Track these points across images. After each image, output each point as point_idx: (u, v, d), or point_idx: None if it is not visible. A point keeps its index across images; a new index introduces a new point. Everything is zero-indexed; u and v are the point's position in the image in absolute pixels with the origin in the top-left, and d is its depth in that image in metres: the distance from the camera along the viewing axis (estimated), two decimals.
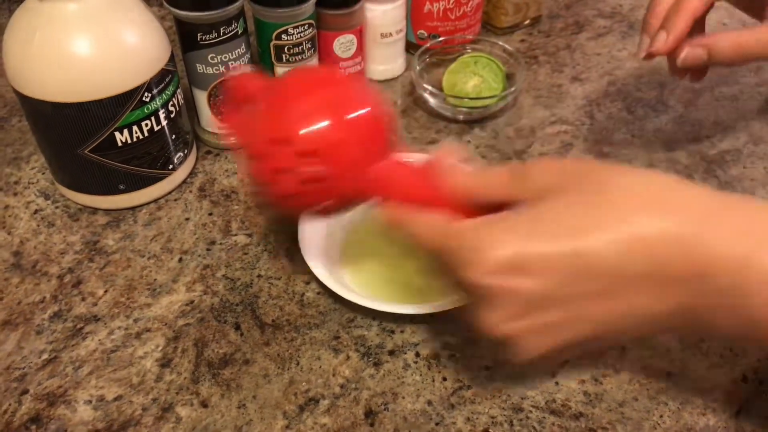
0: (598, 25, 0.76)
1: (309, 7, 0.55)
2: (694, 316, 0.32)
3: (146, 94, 0.49)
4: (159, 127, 0.52)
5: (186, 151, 0.56)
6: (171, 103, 0.52)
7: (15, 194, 0.56)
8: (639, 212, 0.32)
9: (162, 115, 0.52)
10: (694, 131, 0.62)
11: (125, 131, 0.50)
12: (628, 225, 0.32)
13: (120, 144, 0.50)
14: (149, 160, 0.53)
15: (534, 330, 0.33)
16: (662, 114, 0.64)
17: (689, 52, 0.47)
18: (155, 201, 0.55)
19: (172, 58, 0.52)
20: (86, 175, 0.52)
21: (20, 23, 0.47)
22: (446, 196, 0.38)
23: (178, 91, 0.54)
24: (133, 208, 0.54)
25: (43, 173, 0.57)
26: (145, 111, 0.50)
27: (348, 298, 0.44)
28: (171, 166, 0.55)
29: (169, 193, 0.56)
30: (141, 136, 0.51)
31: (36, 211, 0.54)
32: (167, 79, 0.51)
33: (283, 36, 0.56)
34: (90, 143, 0.49)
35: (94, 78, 0.47)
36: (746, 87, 0.67)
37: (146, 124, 0.51)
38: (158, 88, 0.50)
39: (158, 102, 0.51)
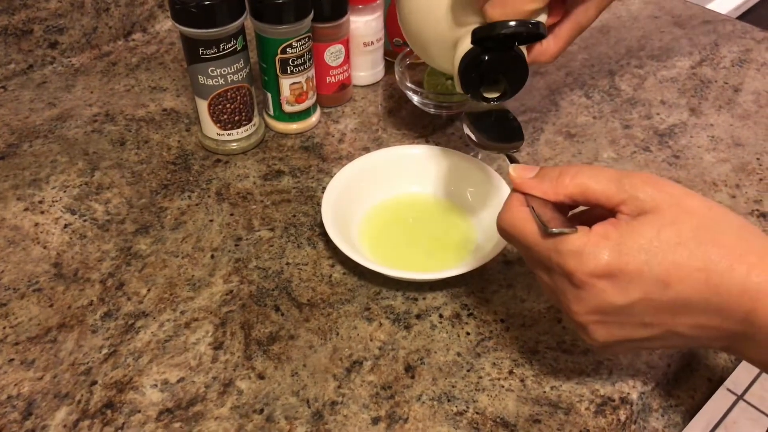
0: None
1: (308, 21, 0.61)
2: (732, 344, 0.38)
3: None
4: None
5: None
6: None
7: (42, 212, 0.59)
8: (731, 260, 0.36)
9: None
10: (645, 110, 0.71)
11: None
12: (715, 265, 0.36)
13: None
14: None
15: (606, 325, 0.38)
16: (616, 97, 0.73)
17: None
18: (178, 207, 0.60)
19: None
20: None
21: None
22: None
23: None
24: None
25: (65, 191, 0.61)
26: None
27: (380, 271, 0.50)
28: None
29: None
30: None
31: (66, 226, 0.58)
32: None
33: (287, 50, 0.61)
34: None
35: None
36: (682, 70, 0.77)
37: None
38: None
39: None
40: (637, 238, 0.36)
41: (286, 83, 0.64)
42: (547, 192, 0.41)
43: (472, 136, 0.51)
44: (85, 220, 0.58)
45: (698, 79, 0.76)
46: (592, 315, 0.38)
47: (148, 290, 0.53)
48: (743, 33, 0.83)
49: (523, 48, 0.51)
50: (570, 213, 0.44)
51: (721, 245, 0.36)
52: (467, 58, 0.49)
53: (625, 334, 0.39)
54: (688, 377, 0.50)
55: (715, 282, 0.35)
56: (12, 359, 0.48)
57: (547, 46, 0.53)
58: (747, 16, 1.29)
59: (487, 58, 0.49)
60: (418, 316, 0.51)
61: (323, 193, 0.56)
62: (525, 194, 0.42)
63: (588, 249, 0.37)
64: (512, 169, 0.43)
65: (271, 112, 0.67)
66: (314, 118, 0.68)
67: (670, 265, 0.36)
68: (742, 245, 0.36)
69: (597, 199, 0.39)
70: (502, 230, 0.43)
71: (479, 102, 0.52)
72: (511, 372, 0.47)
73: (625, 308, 0.37)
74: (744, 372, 0.43)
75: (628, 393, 0.46)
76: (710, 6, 0.90)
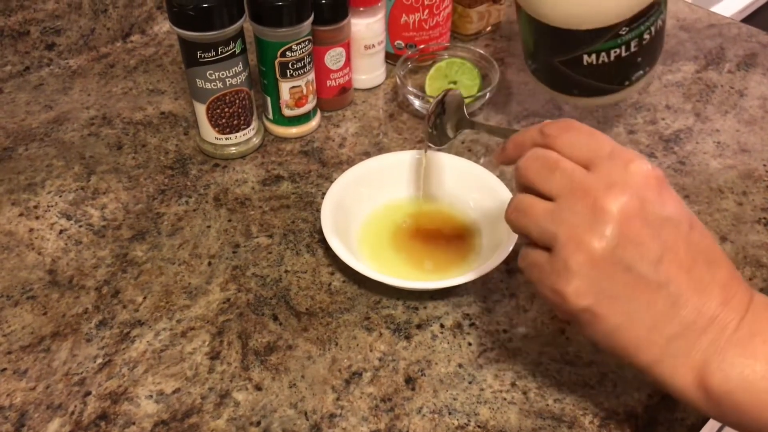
0: None
1: (308, 24, 0.60)
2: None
3: (624, 29, 0.53)
4: (627, 53, 0.55)
5: (643, 71, 0.59)
6: (647, 32, 0.55)
7: (37, 218, 0.58)
8: None
9: (634, 43, 0.55)
10: (650, 115, 0.70)
11: (593, 56, 0.55)
12: None
13: (585, 64, 0.57)
14: (607, 77, 0.58)
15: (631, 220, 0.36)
16: (620, 102, 0.72)
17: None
18: (178, 212, 0.59)
19: None
20: (554, 77, 0.60)
21: None
22: None
23: (660, 17, 0.55)
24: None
25: (60, 196, 0.60)
26: (617, 42, 0.54)
27: (380, 280, 0.49)
28: (627, 82, 0.59)
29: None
30: (606, 60, 0.56)
31: (61, 231, 0.57)
32: (650, 13, 0.54)
33: (287, 53, 0.60)
34: (562, 57, 0.57)
35: (589, 7, 0.53)
36: (688, 74, 0.76)
37: (614, 52, 0.55)
38: (637, 22, 0.53)
39: (633, 34, 0.54)
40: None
41: (285, 87, 0.63)
42: (538, 139, 0.41)
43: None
44: (80, 226, 0.58)
45: (703, 84, 0.75)
46: (628, 197, 0.36)
47: (144, 298, 0.52)
48: (749, 36, 0.82)
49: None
50: None
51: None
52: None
53: (635, 255, 0.36)
54: None
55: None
56: (4, 369, 0.47)
57: None
58: (752, 19, 1.28)
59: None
60: (418, 326, 0.50)
61: (323, 198, 0.55)
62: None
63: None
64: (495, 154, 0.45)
65: (271, 116, 0.66)
66: (314, 122, 0.67)
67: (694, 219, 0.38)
68: None
69: None
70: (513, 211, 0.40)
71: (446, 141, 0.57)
72: (513, 384, 0.46)
73: (660, 221, 0.36)
74: None
75: (634, 406, 0.45)
76: (715, 9, 0.89)
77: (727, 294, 0.37)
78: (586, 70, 0.57)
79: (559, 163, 0.38)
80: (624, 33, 0.54)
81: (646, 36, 0.55)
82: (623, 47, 0.55)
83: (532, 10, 0.57)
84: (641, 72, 0.59)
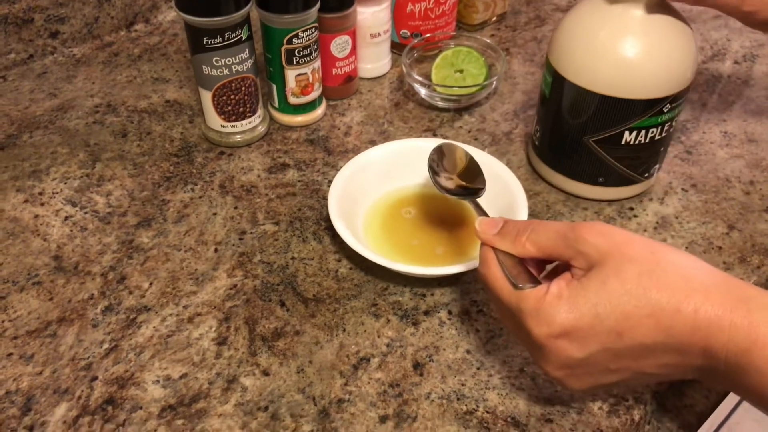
0: (557, 17, 0.84)
1: (315, 11, 0.60)
2: (701, 376, 0.38)
3: (667, 105, 0.52)
4: (659, 137, 0.55)
5: (659, 165, 0.58)
6: (675, 119, 0.55)
7: (42, 204, 0.58)
8: (685, 297, 0.36)
9: (666, 126, 0.54)
10: None
11: (634, 132, 0.53)
12: (665, 307, 0.36)
13: (623, 143, 0.54)
14: (635, 164, 0.56)
15: (576, 377, 0.39)
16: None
17: None
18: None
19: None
20: (576, 161, 0.57)
21: (585, 17, 0.53)
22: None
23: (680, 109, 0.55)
24: (602, 201, 0.59)
25: (65, 183, 0.60)
26: (658, 120, 0.53)
27: (387, 266, 0.49)
28: (647, 174, 0.57)
29: (635, 196, 0.59)
30: (642, 141, 0.54)
31: (66, 218, 0.57)
32: (681, 98, 0.54)
33: (294, 40, 0.60)
34: (599, 134, 0.54)
35: (636, 79, 0.51)
36: None
37: (651, 132, 0.54)
38: (675, 103, 0.53)
39: (670, 115, 0.54)
40: (585, 294, 0.37)
41: (291, 74, 0.63)
42: (510, 249, 0.42)
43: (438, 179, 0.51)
44: (86, 213, 0.57)
45: (710, 74, 0.74)
46: (561, 370, 0.39)
47: (150, 284, 0.52)
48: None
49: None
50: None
51: (665, 289, 0.36)
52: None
53: (597, 381, 0.39)
54: None
55: (665, 325, 0.36)
56: (11, 353, 0.47)
57: None
58: None
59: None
60: (426, 313, 0.50)
61: (329, 186, 0.55)
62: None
63: (543, 310, 0.38)
64: (477, 223, 0.44)
65: (276, 104, 0.66)
66: (320, 111, 0.67)
67: (619, 315, 0.36)
68: (686, 285, 0.36)
69: (552, 256, 0.41)
70: (481, 282, 0.44)
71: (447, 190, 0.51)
72: (521, 370, 0.46)
73: (587, 360, 0.38)
74: None
75: (642, 393, 0.45)
76: None
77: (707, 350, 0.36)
78: (622, 151, 0.55)
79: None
80: (666, 110, 0.53)
81: (673, 123, 0.55)
82: (659, 128, 0.54)
83: (589, 83, 0.53)
84: (657, 167, 0.58)
